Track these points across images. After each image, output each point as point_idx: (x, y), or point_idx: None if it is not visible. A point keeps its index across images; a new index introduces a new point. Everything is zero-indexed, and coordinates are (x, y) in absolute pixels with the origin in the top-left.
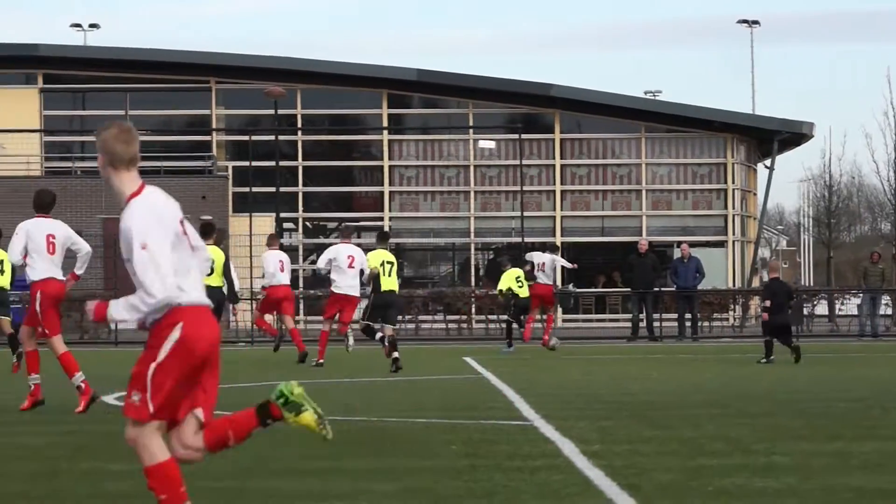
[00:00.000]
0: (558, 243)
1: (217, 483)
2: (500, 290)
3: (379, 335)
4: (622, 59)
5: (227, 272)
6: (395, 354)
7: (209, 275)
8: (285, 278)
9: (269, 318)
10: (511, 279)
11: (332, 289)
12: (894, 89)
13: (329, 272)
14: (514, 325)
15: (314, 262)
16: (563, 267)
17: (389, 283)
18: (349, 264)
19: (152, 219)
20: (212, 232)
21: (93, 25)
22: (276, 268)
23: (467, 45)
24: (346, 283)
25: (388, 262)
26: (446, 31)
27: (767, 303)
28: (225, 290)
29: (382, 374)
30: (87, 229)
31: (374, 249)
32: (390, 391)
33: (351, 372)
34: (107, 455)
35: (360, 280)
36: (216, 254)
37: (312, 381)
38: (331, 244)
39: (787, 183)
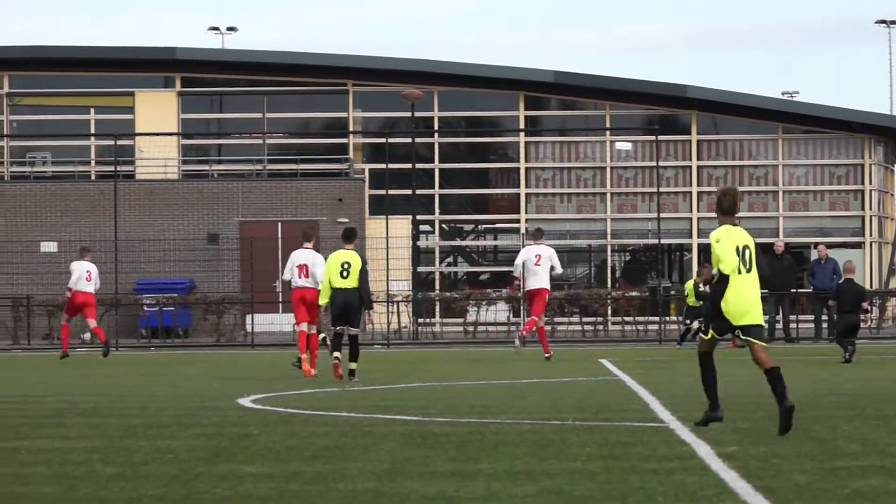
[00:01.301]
0: (695, 245)
1: (353, 485)
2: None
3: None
4: (759, 59)
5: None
6: (353, 366)
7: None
8: (90, 287)
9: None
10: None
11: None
12: None
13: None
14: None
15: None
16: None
17: (342, 282)
18: (299, 274)
19: None
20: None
21: (230, 29)
22: (81, 276)
23: (603, 46)
24: (301, 285)
25: (345, 263)
26: (582, 32)
27: (831, 302)
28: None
29: (517, 376)
30: (223, 232)
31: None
32: (525, 393)
33: (485, 373)
34: (243, 458)
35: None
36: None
37: (451, 383)
38: (466, 246)
39: None
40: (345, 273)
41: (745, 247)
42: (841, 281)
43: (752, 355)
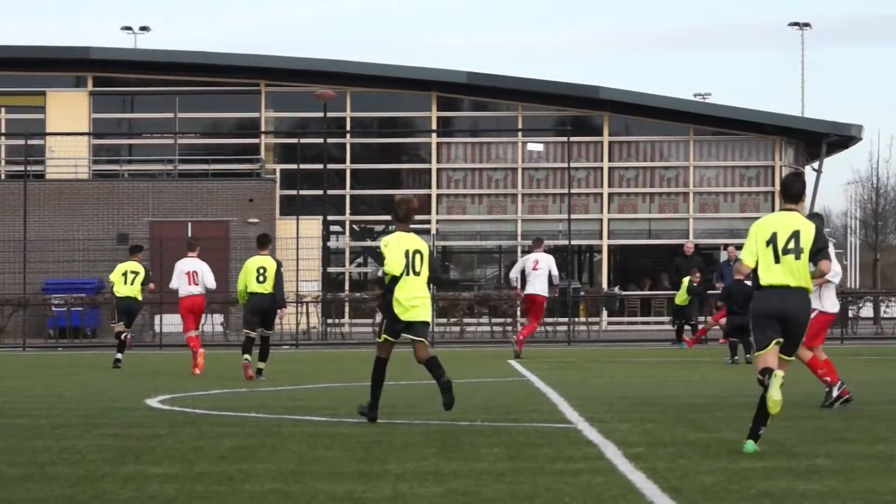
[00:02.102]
0: (605, 246)
1: (260, 486)
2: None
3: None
4: (672, 61)
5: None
6: (261, 365)
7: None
8: None
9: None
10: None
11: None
12: None
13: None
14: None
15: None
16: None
17: (259, 287)
18: (188, 281)
19: None
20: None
21: (143, 28)
22: None
23: (516, 47)
24: (189, 293)
25: (261, 268)
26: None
27: (720, 303)
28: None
29: (426, 377)
30: (133, 232)
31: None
32: (433, 394)
33: (394, 374)
34: (150, 458)
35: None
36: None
37: (360, 384)
38: (376, 247)
39: (834, 185)
40: (261, 278)
41: (417, 251)
42: (730, 282)
43: (415, 351)
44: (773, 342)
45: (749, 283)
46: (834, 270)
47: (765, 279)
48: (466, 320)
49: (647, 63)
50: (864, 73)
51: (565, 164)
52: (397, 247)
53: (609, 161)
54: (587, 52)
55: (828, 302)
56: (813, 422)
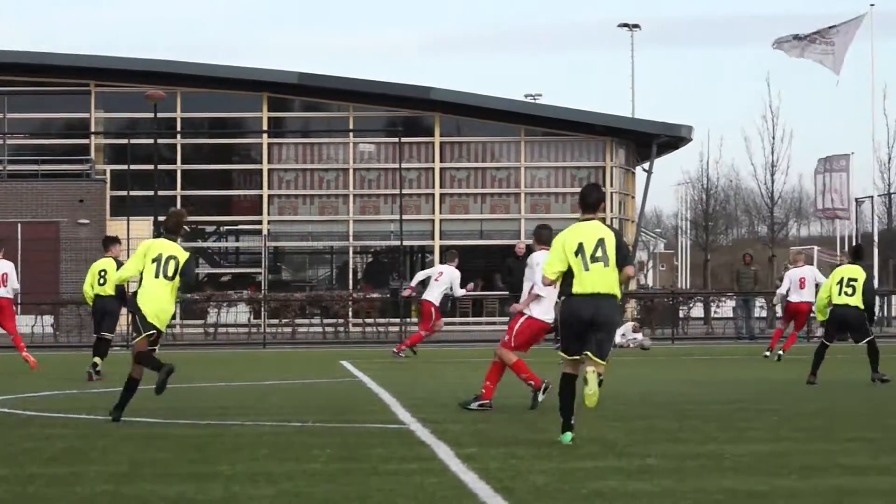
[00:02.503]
0: (437, 247)
1: (91, 488)
2: None
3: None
4: (503, 62)
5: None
6: (97, 360)
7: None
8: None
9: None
10: None
11: None
12: (773, 93)
13: None
14: None
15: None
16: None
17: (100, 290)
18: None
19: None
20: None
21: None
22: None
23: (348, 48)
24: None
25: (102, 270)
26: (327, 36)
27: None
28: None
29: (258, 378)
30: None
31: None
32: (265, 395)
33: (227, 375)
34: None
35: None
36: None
37: (192, 385)
38: (207, 248)
39: (665, 186)
40: (101, 280)
41: (171, 256)
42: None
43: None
44: (583, 353)
45: None
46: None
47: (576, 288)
48: (298, 321)
49: (479, 64)
50: (695, 74)
51: (397, 165)
52: (149, 254)
53: (440, 162)
54: (419, 53)
55: (538, 309)
56: (644, 421)
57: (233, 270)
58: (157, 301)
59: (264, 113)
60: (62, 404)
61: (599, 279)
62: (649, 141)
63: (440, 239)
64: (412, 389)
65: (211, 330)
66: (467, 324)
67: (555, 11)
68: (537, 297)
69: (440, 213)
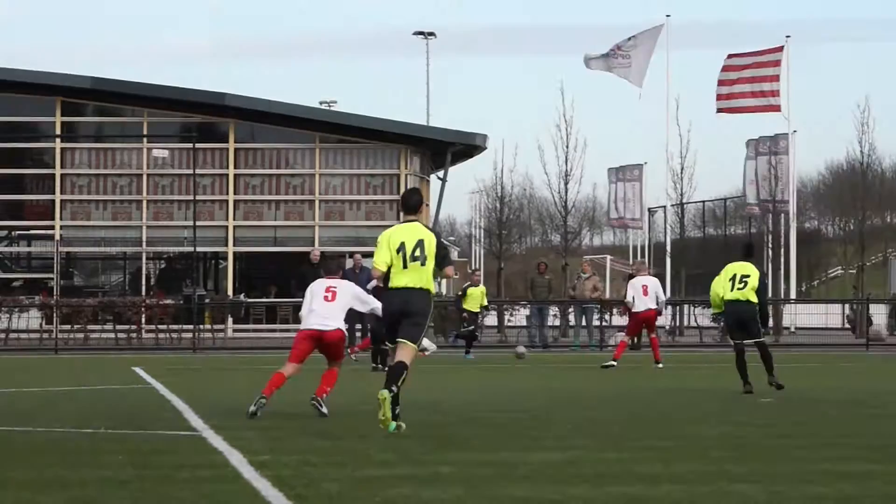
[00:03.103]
0: (231, 253)
1: None
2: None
3: None
4: (299, 69)
5: None
6: None
7: None
8: None
9: None
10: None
11: None
12: (567, 103)
13: None
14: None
15: None
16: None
17: None
18: None
19: None
20: None
21: None
22: None
23: (142, 54)
24: None
25: None
26: (121, 40)
27: None
28: None
29: (49, 384)
30: None
31: None
32: (57, 401)
33: (18, 381)
34: None
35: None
36: None
37: None
38: None
39: (459, 194)
40: None
41: None
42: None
43: None
44: (397, 341)
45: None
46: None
47: (393, 282)
48: (91, 327)
49: (275, 71)
50: (490, 83)
51: (191, 171)
52: None
53: (235, 168)
54: (214, 59)
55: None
56: (438, 429)
57: (24, 276)
58: None
59: (57, 117)
60: None
61: (415, 275)
62: (444, 149)
63: (234, 245)
64: (205, 396)
65: (2, 336)
66: (260, 330)
67: (351, 18)
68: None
69: (234, 219)
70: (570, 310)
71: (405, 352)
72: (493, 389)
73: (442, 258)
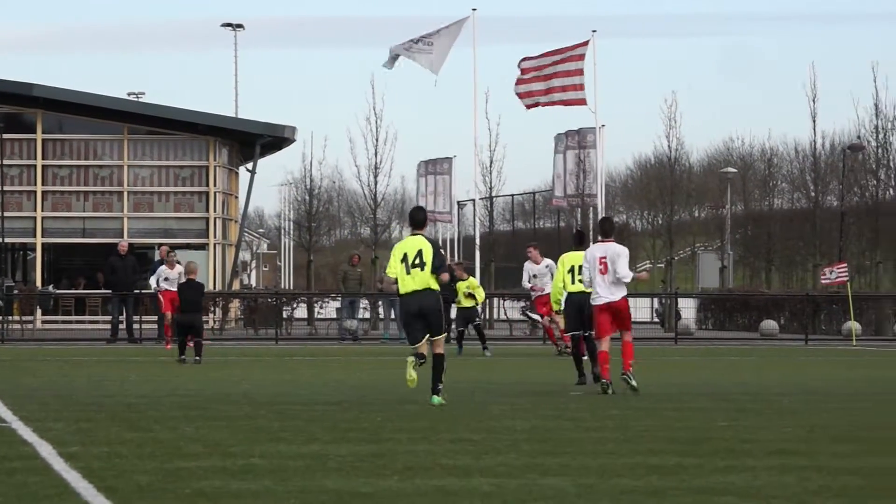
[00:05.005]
0: (39, 244)
1: None
2: None
3: None
4: (107, 60)
5: None
6: None
7: None
8: None
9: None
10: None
11: None
12: (377, 95)
13: None
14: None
15: None
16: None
17: None
18: None
19: None
20: None
21: None
22: None
23: None
24: None
25: None
26: None
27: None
28: None
29: None
30: None
31: None
32: None
33: None
34: None
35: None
36: None
37: None
38: None
39: (268, 186)
40: None
41: None
42: (183, 281)
43: None
44: (425, 337)
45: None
46: None
47: (404, 288)
48: None
49: (83, 61)
50: (299, 75)
51: None
52: None
53: (43, 159)
54: (22, 48)
55: None
56: (249, 421)
57: None
58: None
59: None
60: None
61: (419, 280)
62: (253, 141)
63: (42, 237)
64: (14, 388)
65: None
66: (69, 322)
67: (159, 9)
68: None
69: (42, 210)
70: (380, 302)
71: (440, 344)
72: (303, 381)
73: (439, 264)
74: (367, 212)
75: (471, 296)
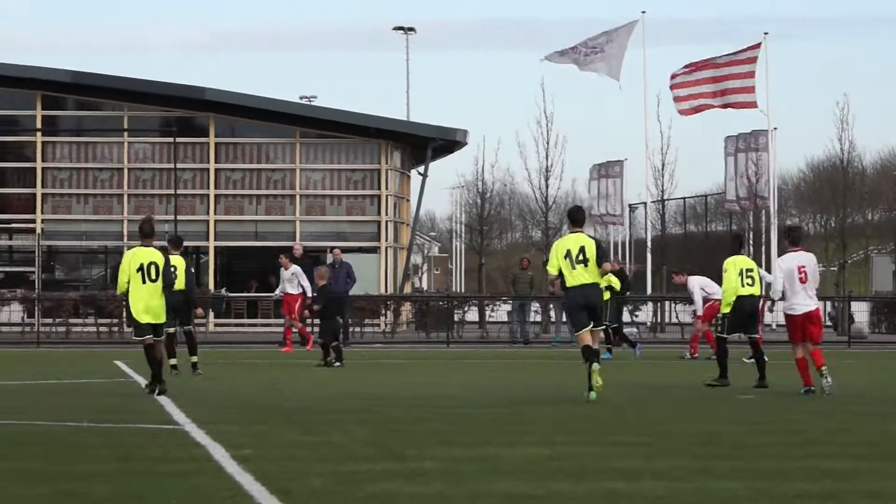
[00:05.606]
0: (212, 248)
1: None
2: None
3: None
4: (278, 63)
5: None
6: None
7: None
8: None
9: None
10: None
11: None
12: (548, 98)
13: None
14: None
15: None
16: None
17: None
18: None
19: None
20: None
21: None
22: None
23: (121, 47)
24: None
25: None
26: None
27: (316, 307)
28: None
29: (32, 377)
30: None
31: None
32: (40, 395)
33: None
34: None
35: None
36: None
37: None
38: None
39: (440, 189)
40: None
41: (152, 263)
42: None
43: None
44: (589, 326)
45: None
46: None
47: (570, 282)
48: (72, 320)
49: (254, 64)
50: (470, 78)
51: (171, 165)
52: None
53: (216, 162)
54: (192, 51)
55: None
56: (420, 425)
57: (6, 269)
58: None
59: (38, 111)
60: None
61: (584, 274)
62: (424, 144)
63: (215, 240)
64: (186, 390)
65: None
66: (242, 325)
67: (331, 13)
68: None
69: (215, 213)
70: (552, 305)
71: (596, 337)
72: (474, 384)
73: (601, 257)
74: (539, 215)
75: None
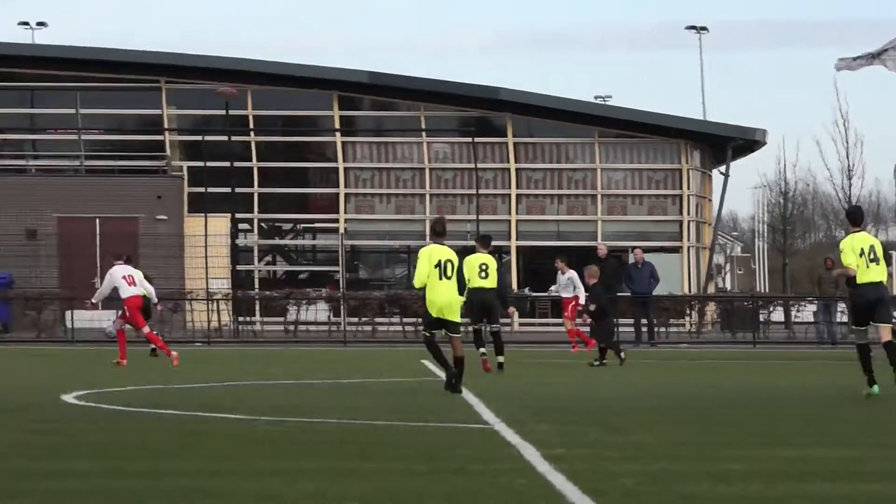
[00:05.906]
0: (514, 247)
1: (175, 483)
2: None
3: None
4: (568, 62)
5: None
6: (500, 359)
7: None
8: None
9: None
10: None
11: None
12: (842, 97)
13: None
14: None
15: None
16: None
17: (481, 282)
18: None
19: None
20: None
21: (40, 24)
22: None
23: (417, 47)
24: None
25: (483, 264)
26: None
27: (592, 307)
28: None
29: (341, 377)
30: (41, 227)
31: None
32: (349, 394)
33: (307, 373)
34: (67, 454)
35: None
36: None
37: (272, 383)
38: (284, 245)
39: (740, 189)
40: (483, 273)
41: (448, 261)
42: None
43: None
44: (869, 323)
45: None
46: None
47: (861, 279)
48: (378, 319)
49: (544, 64)
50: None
51: (472, 165)
52: (430, 256)
53: (515, 162)
54: (488, 52)
55: None
56: (729, 426)
57: (310, 268)
58: (440, 298)
59: (335, 111)
60: (145, 399)
61: (877, 272)
62: (723, 144)
63: (517, 240)
64: (495, 390)
65: (291, 327)
66: (546, 324)
67: (622, 12)
68: None
69: (517, 213)
70: None
71: (887, 332)
72: (774, 387)
73: (888, 257)
74: (842, 215)
75: None
